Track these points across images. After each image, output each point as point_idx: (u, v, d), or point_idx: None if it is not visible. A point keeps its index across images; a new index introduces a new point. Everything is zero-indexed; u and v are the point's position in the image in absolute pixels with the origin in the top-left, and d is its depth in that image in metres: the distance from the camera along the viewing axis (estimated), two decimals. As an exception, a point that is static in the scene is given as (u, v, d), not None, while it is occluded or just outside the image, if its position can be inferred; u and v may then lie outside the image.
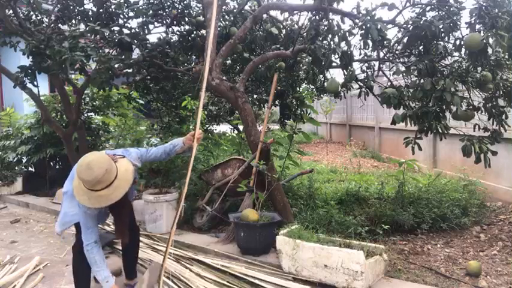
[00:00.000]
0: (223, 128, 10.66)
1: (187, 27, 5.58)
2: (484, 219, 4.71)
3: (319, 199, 4.73)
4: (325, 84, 4.53)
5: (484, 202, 5.16)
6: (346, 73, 3.89)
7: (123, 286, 3.22)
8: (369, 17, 3.45)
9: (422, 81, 3.53)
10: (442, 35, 3.34)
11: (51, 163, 7.14)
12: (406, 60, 3.93)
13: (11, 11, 4.91)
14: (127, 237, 2.83)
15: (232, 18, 5.47)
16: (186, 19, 5.47)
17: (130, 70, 5.05)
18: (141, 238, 3.53)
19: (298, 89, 6.66)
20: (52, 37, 4.47)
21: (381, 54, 4.03)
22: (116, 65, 4.45)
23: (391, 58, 4.04)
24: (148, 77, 5.77)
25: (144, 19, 5.05)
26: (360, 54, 4.25)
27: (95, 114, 7.41)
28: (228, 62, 6.29)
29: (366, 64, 4.35)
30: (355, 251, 3.02)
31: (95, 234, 2.66)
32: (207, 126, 8.59)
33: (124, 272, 3.23)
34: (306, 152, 10.69)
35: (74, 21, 5.24)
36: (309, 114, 6.75)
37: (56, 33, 4.78)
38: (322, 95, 7.50)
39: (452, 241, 4.12)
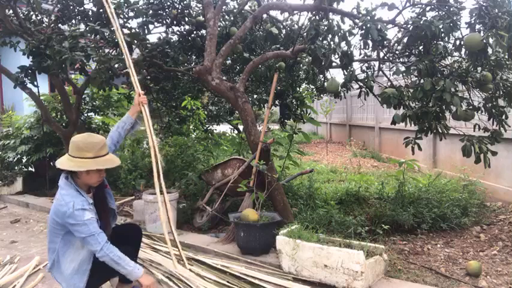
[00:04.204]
0: (223, 128, 10.66)
1: (187, 27, 5.58)
2: (484, 219, 4.70)
3: (319, 199, 4.73)
4: (325, 84, 4.53)
5: (484, 202, 5.16)
6: (346, 73, 3.89)
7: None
8: (369, 17, 3.45)
9: (422, 81, 3.53)
10: (442, 35, 3.34)
11: (51, 163, 7.12)
12: (406, 60, 3.93)
13: (11, 11, 4.92)
14: (110, 228, 2.86)
15: (232, 18, 5.47)
16: (186, 19, 5.47)
17: (130, 70, 5.05)
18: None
19: (298, 89, 6.66)
20: (52, 37, 4.47)
21: (381, 54, 4.03)
22: (116, 65, 4.45)
23: (391, 58, 4.04)
24: (148, 77, 5.78)
25: (144, 19, 5.05)
26: (360, 54, 4.26)
27: (95, 114, 7.42)
28: (228, 62, 6.29)
29: (366, 64, 4.35)
30: (355, 251, 3.02)
31: (103, 237, 2.45)
32: (207, 126, 8.60)
33: (120, 275, 3.10)
34: (306, 152, 10.70)
35: (74, 21, 5.24)
36: (309, 114, 6.75)
37: (56, 33, 4.78)
38: (322, 95, 7.49)
39: (452, 241, 4.12)
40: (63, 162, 2.51)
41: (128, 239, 2.99)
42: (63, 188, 2.54)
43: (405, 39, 3.67)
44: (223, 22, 5.49)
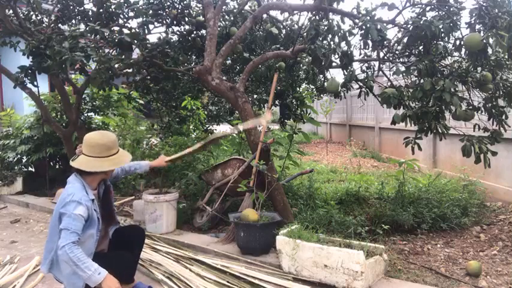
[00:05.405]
0: (223, 128, 10.67)
1: (187, 27, 5.59)
2: (484, 219, 4.71)
3: (319, 199, 4.73)
4: (325, 84, 4.53)
5: (484, 202, 5.16)
6: (346, 73, 3.89)
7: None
8: (368, 17, 3.45)
9: (422, 81, 3.53)
10: (442, 35, 3.34)
11: (51, 163, 7.14)
12: (406, 60, 3.93)
13: (11, 11, 4.92)
14: (111, 226, 2.98)
15: (232, 18, 5.48)
16: (186, 19, 5.47)
17: (130, 70, 5.06)
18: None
19: (298, 89, 6.66)
20: (52, 37, 4.48)
21: (381, 54, 4.03)
22: (116, 65, 4.46)
23: (391, 58, 4.05)
24: (148, 77, 5.78)
25: (144, 19, 5.05)
26: (360, 54, 4.26)
27: (95, 114, 7.42)
28: (228, 62, 6.30)
29: (366, 64, 4.35)
30: (355, 251, 3.02)
31: (74, 237, 2.38)
32: (207, 126, 8.61)
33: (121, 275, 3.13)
34: (306, 152, 10.69)
35: (74, 21, 5.25)
36: (309, 114, 6.75)
37: (56, 33, 4.78)
38: (322, 95, 7.49)
39: (452, 241, 4.12)
40: (101, 165, 2.61)
41: (131, 240, 3.00)
42: (70, 182, 2.64)
43: (405, 39, 3.67)
44: (223, 22, 5.49)
